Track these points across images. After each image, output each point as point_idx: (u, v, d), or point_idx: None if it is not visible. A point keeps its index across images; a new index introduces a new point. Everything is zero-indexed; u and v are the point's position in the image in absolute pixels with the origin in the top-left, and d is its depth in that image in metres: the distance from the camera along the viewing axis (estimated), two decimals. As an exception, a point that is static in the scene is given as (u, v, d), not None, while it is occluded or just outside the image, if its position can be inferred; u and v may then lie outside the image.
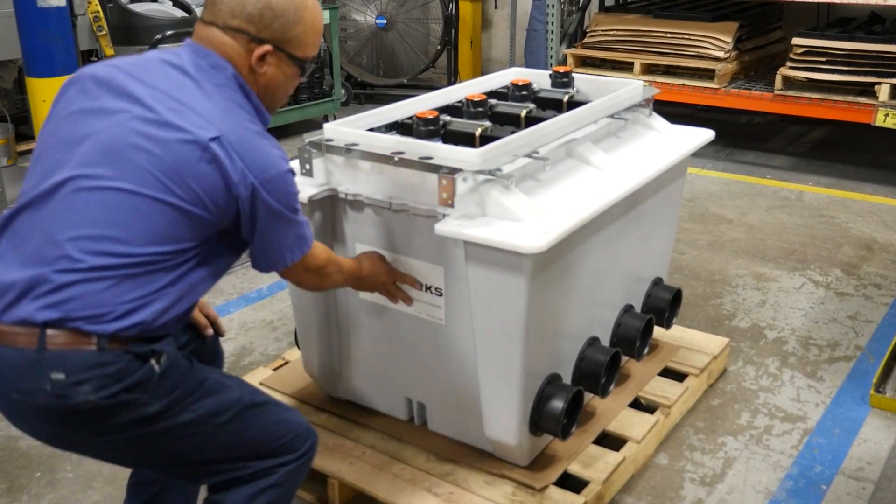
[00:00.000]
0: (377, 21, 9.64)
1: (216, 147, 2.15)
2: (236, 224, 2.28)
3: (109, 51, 4.33)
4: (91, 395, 2.09)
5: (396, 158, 2.81)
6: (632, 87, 3.64)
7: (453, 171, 2.73)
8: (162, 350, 2.20)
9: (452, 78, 9.79)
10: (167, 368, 2.21)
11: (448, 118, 3.23)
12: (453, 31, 9.71)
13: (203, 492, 2.54)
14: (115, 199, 2.13)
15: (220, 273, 2.39)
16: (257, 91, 2.40)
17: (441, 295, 2.95)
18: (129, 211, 2.13)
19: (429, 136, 3.07)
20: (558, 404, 2.99)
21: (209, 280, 2.33)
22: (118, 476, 3.37)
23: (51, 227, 2.14)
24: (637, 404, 3.59)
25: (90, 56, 6.14)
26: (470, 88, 3.70)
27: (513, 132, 3.05)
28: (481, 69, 10.42)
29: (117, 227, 2.12)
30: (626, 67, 7.86)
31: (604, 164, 3.19)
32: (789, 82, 7.14)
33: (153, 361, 2.18)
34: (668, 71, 7.75)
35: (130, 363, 2.13)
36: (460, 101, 3.47)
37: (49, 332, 2.08)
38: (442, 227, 2.71)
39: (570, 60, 8.06)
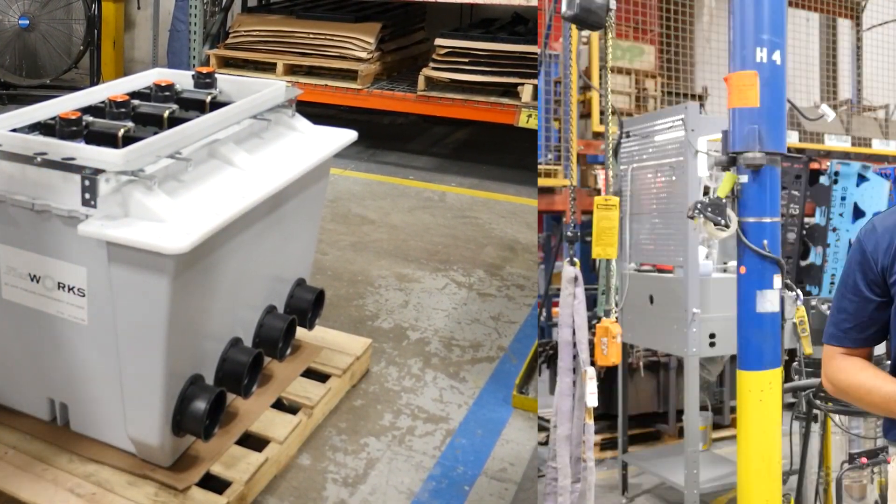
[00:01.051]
0: (20, 22, 9.60)
1: None
2: None
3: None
4: None
5: (39, 159, 2.98)
6: (274, 87, 3.91)
7: (96, 171, 2.94)
8: None
9: (95, 79, 9.97)
10: None
11: (91, 119, 3.41)
12: (96, 31, 9.93)
13: None
14: None
15: None
16: None
17: (84, 296, 3.13)
18: None
19: (72, 136, 3.25)
20: (200, 405, 3.25)
21: None
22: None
23: None
24: (280, 405, 3.86)
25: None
26: (113, 89, 3.86)
27: (155, 133, 3.28)
28: (124, 70, 10.53)
29: None
30: (269, 68, 8.21)
31: (246, 165, 3.46)
32: (432, 83, 7.62)
33: None
34: (311, 72, 8.14)
35: None
36: (103, 102, 3.63)
37: None
38: (84, 228, 2.90)
39: (213, 61, 8.34)
